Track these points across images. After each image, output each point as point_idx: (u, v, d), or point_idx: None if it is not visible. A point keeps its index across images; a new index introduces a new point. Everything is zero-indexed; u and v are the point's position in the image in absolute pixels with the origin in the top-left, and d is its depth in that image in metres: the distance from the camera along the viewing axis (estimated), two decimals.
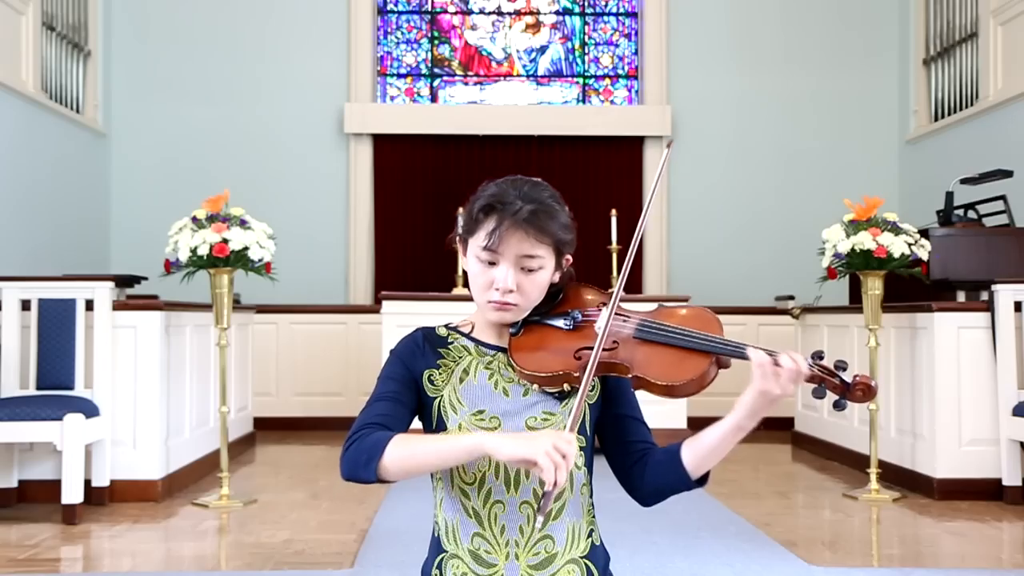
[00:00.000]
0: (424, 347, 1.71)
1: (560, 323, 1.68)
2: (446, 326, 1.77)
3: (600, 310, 1.68)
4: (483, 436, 1.52)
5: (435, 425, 1.68)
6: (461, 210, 1.76)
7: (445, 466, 1.58)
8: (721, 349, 1.59)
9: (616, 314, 1.65)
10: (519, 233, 1.62)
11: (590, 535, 1.70)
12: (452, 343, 1.72)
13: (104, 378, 4.80)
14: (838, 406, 1.59)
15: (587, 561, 1.67)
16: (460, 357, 1.71)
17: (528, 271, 1.64)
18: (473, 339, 1.73)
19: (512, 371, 1.67)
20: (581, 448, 1.66)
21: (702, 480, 1.69)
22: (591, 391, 1.70)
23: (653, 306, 1.74)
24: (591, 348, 1.61)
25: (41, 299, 4.81)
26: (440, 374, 1.69)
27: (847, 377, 1.58)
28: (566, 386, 1.63)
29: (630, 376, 1.62)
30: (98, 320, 4.82)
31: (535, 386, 1.66)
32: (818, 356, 1.59)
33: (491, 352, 1.71)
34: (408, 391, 1.68)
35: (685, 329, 1.62)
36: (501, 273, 1.64)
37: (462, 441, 1.52)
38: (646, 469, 1.70)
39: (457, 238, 1.76)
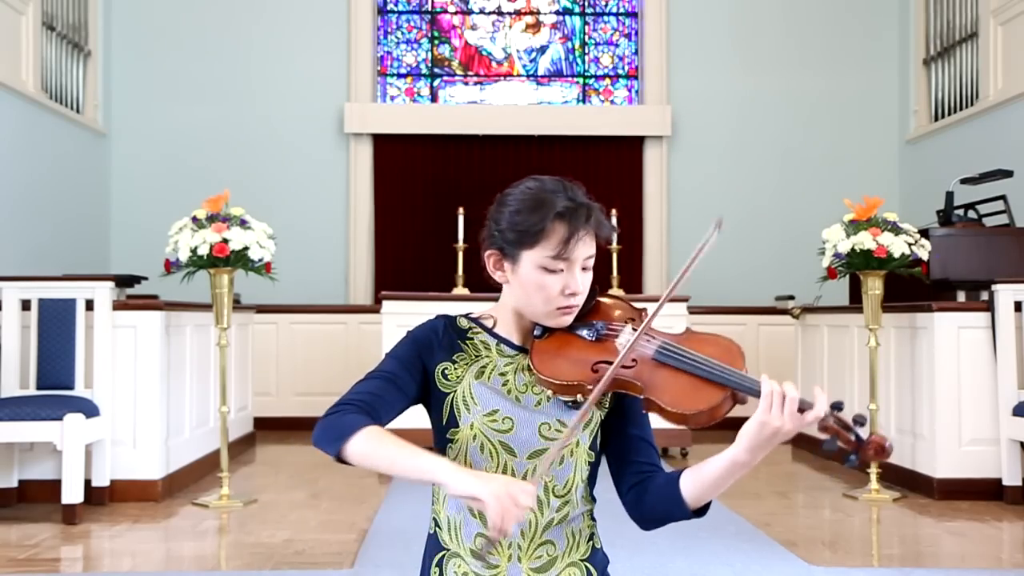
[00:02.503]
0: (443, 338, 1.69)
1: (584, 333, 1.67)
2: (467, 316, 1.74)
3: (626, 325, 1.66)
4: (440, 465, 1.49)
5: (446, 420, 1.66)
6: (493, 218, 1.69)
7: (397, 476, 1.54)
8: (737, 384, 1.53)
9: (642, 336, 1.61)
10: (588, 236, 1.63)
11: (591, 538, 1.71)
12: (473, 337, 1.70)
13: (104, 378, 4.79)
14: (848, 462, 1.50)
15: (587, 564, 1.68)
16: (478, 354, 1.68)
17: (585, 270, 1.65)
18: (496, 335, 1.71)
19: (528, 375, 1.66)
20: (589, 463, 1.67)
21: (701, 511, 1.63)
22: (603, 406, 1.68)
23: (682, 327, 1.70)
24: (610, 362, 1.59)
25: (41, 299, 4.80)
26: (456, 369, 1.67)
27: (863, 433, 1.49)
28: (579, 397, 1.61)
29: (642, 397, 1.59)
30: (98, 320, 4.82)
31: (550, 392, 1.64)
32: (837, 407, 1.50)
33: (512, 352, 1.69)
34: (411, 377, 1.66)
35: (706, 358, 1.57)
36: (574, 278, 1.63)
37: (420, 462, 1.49)
38: (646, 493, 1.66)
39: (499, 250, 1.67)
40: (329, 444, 1.53)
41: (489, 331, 1.71)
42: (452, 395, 1.66)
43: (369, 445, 1.51)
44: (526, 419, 1.64)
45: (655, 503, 1.64)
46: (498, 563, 1.63)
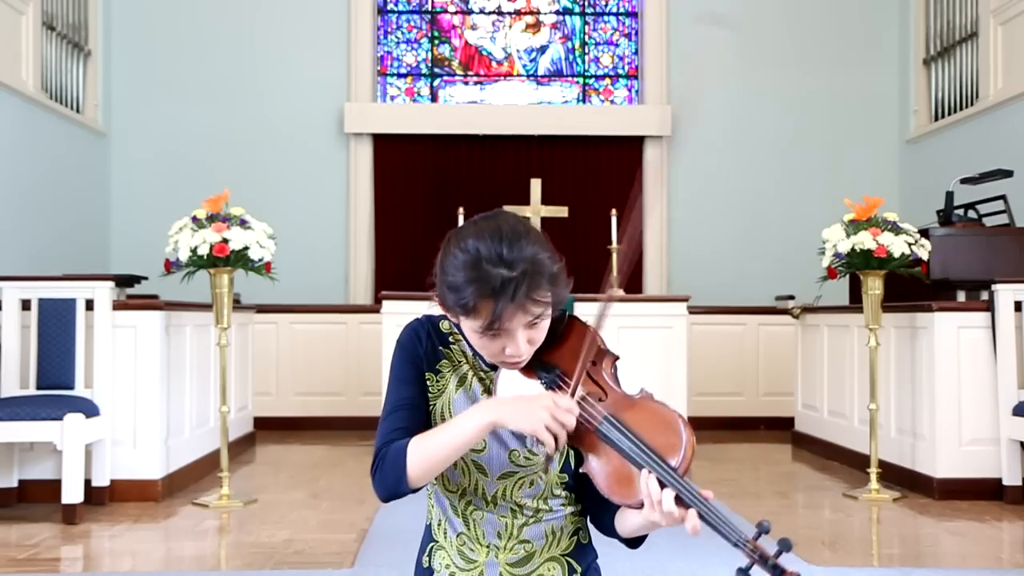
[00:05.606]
0: (426, 345, 1.68)
1: (543, 377, 1.61)
2: (449, 319, 1.72)
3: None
4: (488, 411, 1.51)
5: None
6: (438, 269, 1.61)
7: (465, 450, 1.55)
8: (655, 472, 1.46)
9: (590, 396, 1.56)
10: (524, 307, 1.53)
11: (575, 534, 1.72)
12: (454, 344, 1.70)
13: (104, 378, 4.79)
14: None
15: (569, 559, 1.70)
16: (460, 362, 1.69)
17: (533, 326, 1.57)
18: (474, 348, 1.68)
19: None
20: (563, 483, 1.68)
21: (635, 543, 1.70)
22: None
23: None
24: None
25: (41, 299, 4.80)
26: (439, 380, 1.68)
27: (783, 564, 1.43)
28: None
29: (581, 471, 1.56)
30: (98, 320, 4.82)
31: None
32: (763, 529, 1.42)
33: (487, 368, 1.68)
34: (422, 392, 1.67)
35: (641, 444, 1.48)
36: (513, 344, 1.56)
37: (472, 424, 1.51)
38: (598, 521, 1.72)
39: (439, 300, 1.62)
40: (395, 487, 1.56)
41: (467, 340, 1.69)
42: (434, 407, 1.67)
43: (420, 453, 1.54)
44: (499, 441, 1.64)
45: (604, 530, 1.71)
46: (477, 559, 1.67)
